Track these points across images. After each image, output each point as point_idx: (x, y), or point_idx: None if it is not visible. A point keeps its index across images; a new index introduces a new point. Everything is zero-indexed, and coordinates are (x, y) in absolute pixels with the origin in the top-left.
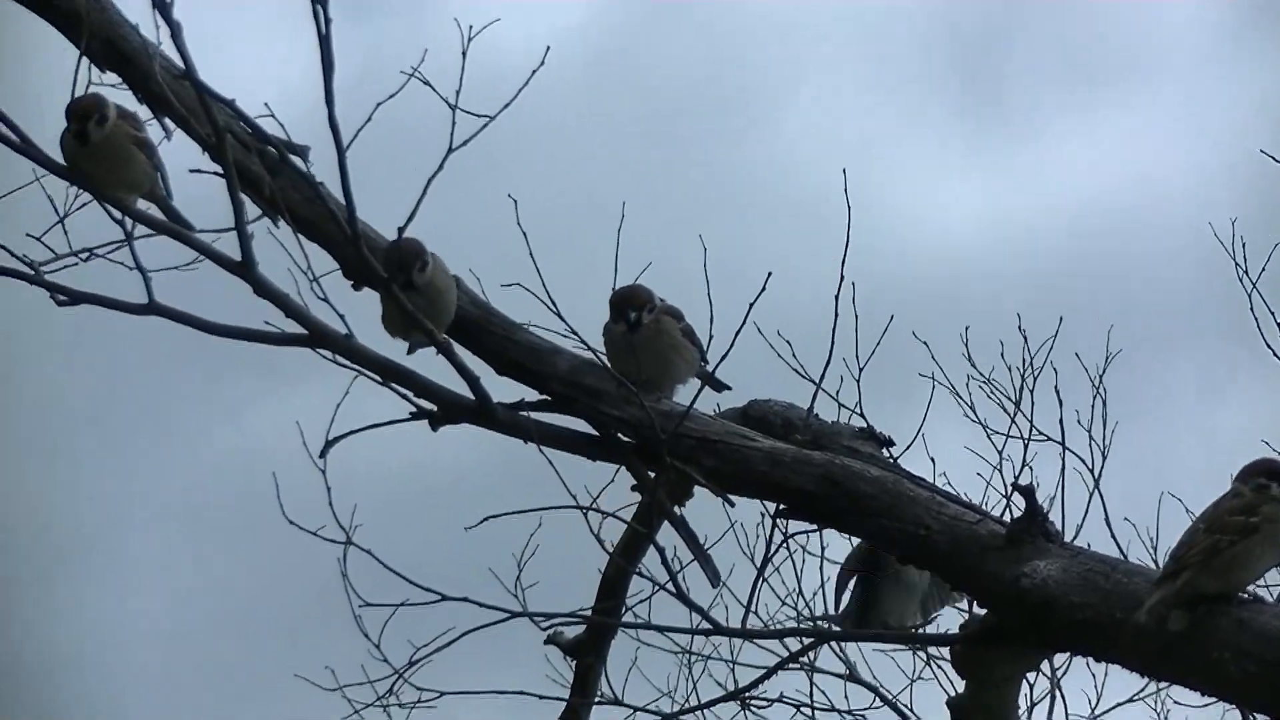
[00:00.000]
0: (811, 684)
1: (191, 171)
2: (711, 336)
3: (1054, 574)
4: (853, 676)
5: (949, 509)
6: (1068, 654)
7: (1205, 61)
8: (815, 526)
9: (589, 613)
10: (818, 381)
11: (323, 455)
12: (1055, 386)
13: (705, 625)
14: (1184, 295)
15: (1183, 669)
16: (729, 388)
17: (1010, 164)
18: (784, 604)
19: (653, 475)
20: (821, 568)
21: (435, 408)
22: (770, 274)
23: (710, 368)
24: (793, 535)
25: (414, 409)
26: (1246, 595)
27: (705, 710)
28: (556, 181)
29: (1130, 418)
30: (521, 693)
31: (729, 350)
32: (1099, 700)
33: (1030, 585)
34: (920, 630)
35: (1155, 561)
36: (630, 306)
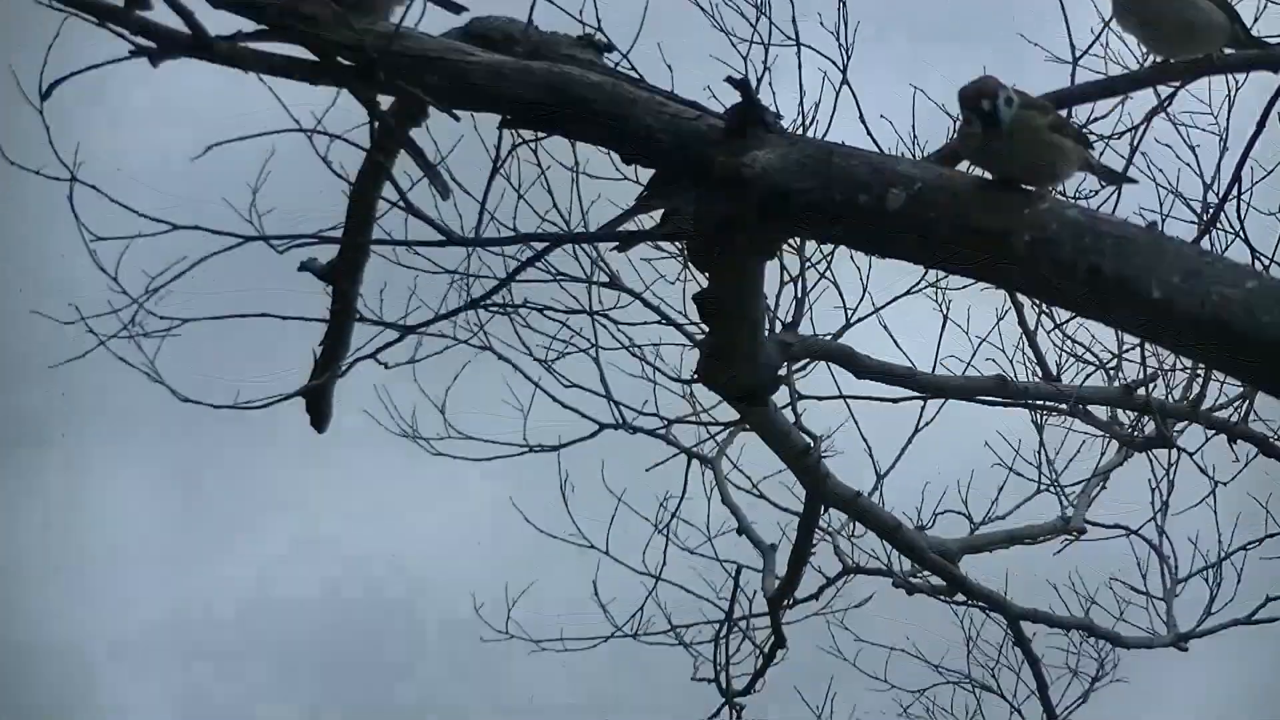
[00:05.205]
0: (589, 295)
1: None
2: None
3: (773, 161)
4: (614, 284)
5: (670, 107)
6: (800, 239)
7: None
8: (543, 134)
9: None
10: None
11: (44, 99)
12: None
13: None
14: None
15: (902, 242)
16: (465, 9)
17: None
18: (544, 220)
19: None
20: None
21: (153, 44)
22: None
23: None
24: (525, 143)
25: (132, 47)
26: None
27: (472, 322)
28: None
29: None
30: (265, 314)
31: None
32: (864, 294)
33: (751, 174)
34: (654, 229)
35: (912, 153)
36: None
